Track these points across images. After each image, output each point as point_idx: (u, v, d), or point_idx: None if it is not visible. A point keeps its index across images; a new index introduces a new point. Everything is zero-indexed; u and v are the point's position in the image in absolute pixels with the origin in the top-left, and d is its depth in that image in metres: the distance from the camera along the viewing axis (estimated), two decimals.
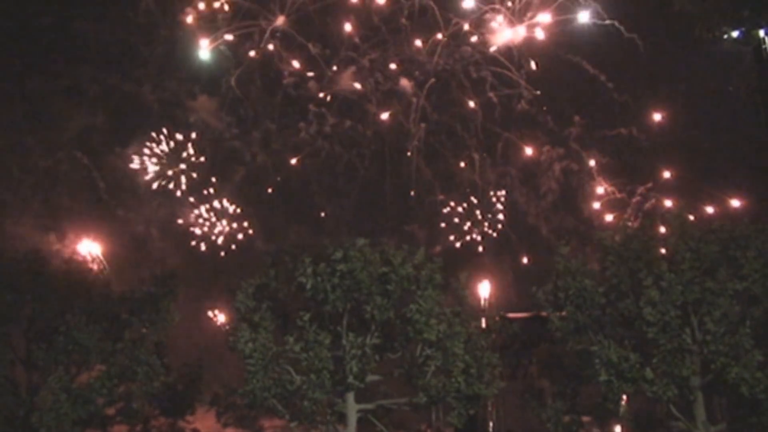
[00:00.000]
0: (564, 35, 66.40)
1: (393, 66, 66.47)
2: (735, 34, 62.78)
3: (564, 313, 39.99)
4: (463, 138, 67.10)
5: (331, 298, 38.95)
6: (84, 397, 40.28)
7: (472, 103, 67.22)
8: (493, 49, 66.14)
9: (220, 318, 52.09)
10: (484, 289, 52.21)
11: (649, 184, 66.62)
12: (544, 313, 41.77)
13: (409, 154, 66.54)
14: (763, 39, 61.80)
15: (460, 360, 38.90)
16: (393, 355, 40.51)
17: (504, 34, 66.37)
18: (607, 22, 65.97)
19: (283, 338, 39.41)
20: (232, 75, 65.52)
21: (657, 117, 67.51)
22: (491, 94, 66.95)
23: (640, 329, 37.89)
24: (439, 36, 66.14)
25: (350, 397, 40.09)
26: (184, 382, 49.23)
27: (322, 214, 67.10)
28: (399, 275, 39.36)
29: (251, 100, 66.48)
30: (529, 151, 67.90)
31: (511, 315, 46.38)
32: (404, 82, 66.71)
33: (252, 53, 65.71)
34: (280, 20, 65.28)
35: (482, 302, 50.05)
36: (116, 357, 41.46)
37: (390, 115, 66.65)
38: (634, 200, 66.66)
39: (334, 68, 66.47)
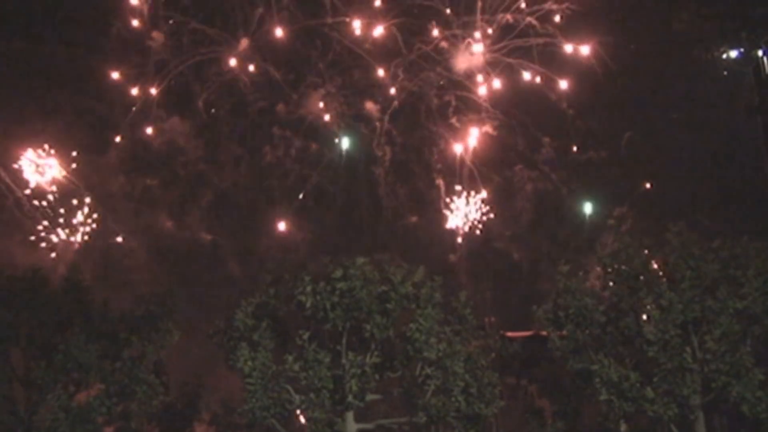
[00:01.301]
0: (537, 60, 66.90)
1: (358, 91, 67.19)
2: (734, 54, 63.14)
3: (564, 332, 39.94)
4: (430, 162, 67.45)
5: (330, 317, 38.88)
6: (83, 415, 40.08)
7: (438, 127, 67.64)
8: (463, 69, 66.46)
9: None
10: None
11: (624, 208, 66.76)
12: (543, 332, 41.74)
13: (378, 175, 66.73)
14: (762, 59, 62.11)
15: (460, 379, 38.81)
16: (393, 374, 40.37)
17: (467, 58, 66.94)
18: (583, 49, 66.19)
19: (282, 357, 39.31)
20: (200, 98, 66.13)
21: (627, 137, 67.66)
22: (453, 120, 67.27)
23: (640, 348, 37.90)
24: (411, 57, 66.72)
25: (350, 416, 39.91)
26: (183, 401, 49.05)
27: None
28: (399, 294, 39.32)
29: (219, 123, 67.00)
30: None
31: (510, 334, 46.34)
32: (370, 106, 67.20)
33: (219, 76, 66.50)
34: (244, 44, 65.85)
35: None
36: (115, 376, 41.32)
37: (356, 139, 67.06)
38: (609, 223, 66.83)
39: (299, 94, 67.13)
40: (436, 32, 66.30)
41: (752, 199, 61.67)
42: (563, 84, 66.91)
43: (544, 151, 67.63)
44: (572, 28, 66.54)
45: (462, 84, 67.18)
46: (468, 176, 67.03)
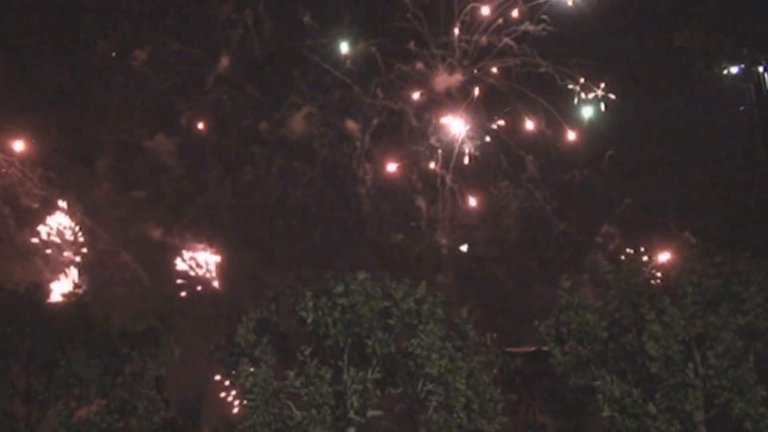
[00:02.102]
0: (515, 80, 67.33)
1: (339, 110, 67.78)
2: (735, 70, 63.34)
3: (566, 348, 39.84)
4: (412, 181, 67.68)
5: (332, 333, 38.80)
6: (83, 431, 40.02)
7: (420, 147, 67.86)
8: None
9: None
10: None
11: (612, 226, 66.87)
12: (545, 348, 41.63)
13: (360, 194, 67.01)
14: (763, 75, 62.28)
15: (462, 395, 38.66)
16: (394, 390, 40.25)
17: (446, 78, 67.40)
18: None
19: (283, 373, 39.23)
20: (184, 116, 66.61)
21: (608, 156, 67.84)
22: (432, 140, 67.54)
23: (642, 364, 37.76)
24: (390, 77, 67.39)
25: None
26: (183, 416, 48.95)
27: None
28: (400, 309, 39.25)
29: (203, 140, 67.36)
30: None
31: (512, 350, 46.26)
32: (351, 125, 67.54)
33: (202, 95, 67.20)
34: (224, 63, 66.42)
35: None
36: (116, 391, 41.24)
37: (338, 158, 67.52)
38: (598, 240, 66.91)
39: (281, 113, 67.63)
40: (415, 53, 67.17)
41: (754, 214, 61.64)
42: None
43: (529, 169, 67.89)
44: (554, 49, 67.10)
45: (443, 103, 67.69)
46: (450, 195, 67.37)
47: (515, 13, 66.96)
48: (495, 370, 42.27)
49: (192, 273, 66.00)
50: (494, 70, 67.15)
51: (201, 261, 66.38)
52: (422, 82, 67.61)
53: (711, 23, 62.64)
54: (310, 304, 38.74)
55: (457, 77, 67.14)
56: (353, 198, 67.63)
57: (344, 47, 67.02)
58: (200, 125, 66.95)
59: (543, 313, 40.55)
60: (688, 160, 65.01)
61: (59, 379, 40.85)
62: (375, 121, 67.52)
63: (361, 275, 39.46)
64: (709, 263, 38.71)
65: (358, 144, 67.41)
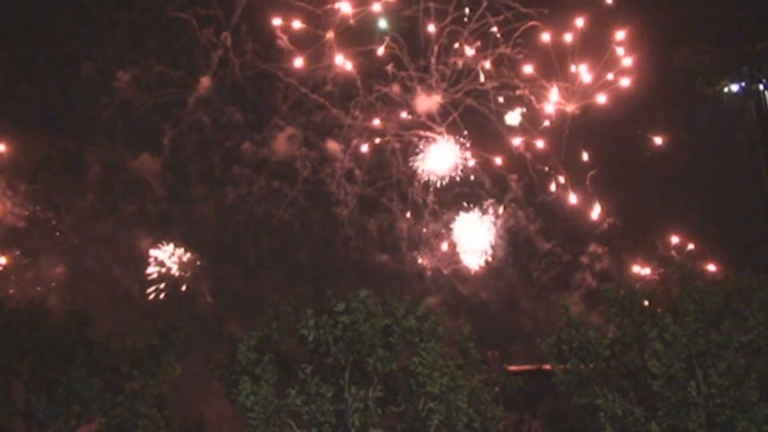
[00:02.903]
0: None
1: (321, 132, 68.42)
2: (735, 88, 63.48)
3: (568, 366, 39.76)
4: (389, 203, 67.95)
5: (333, 351, 38.72)
6: None
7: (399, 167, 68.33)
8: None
9: None
10: None
11: (599, 248, 67.02)
12: (547, 366, 41.53)
13: (342, 214, 67.27)
14: (763, 93, 62.42)
15: (463, 414, 38.49)
16: (396, 408, 40.08)
17: (425, 100, 67.91)
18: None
19: (284, 391, 39.10)
20: (167, 136, 67.22)
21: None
22: (413, 160, 67.96)
23: (644, 382, 37.65)
24: (369, 99, 67.92)
25: None
26: None
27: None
28: (402, 327, 39.20)
29: (186, 160, 68.00)
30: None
31: (513, 368, 46.17)
32: (332, 146, 67.99)
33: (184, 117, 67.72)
34: (204, 85, 67.06)
35: None
36: (116, 409, 41.20)
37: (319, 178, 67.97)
38: (585, 261, 67.00)
39: (263, 135, 68.21)
40: (393, 75, 67.78)
41: (755, 231, 61.72)
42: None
43: (513, 190, 68.16)
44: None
45: (423, 125, 68.15)
46: (432, 214, 67.59)
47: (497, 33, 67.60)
48: (496, 389, 42.17)
49: (165, 270, 65.93)
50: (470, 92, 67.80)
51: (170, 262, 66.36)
52: (402, 104, 68.24)
53: (711, 41, 62.88)
54: (312, 322, 38.69)
55: (437, 99, 67.57)
56: (335, 218, 67.85)
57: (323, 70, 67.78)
58: (183, 145, 67.55)
59: (533, 332, 40.64)
60: (687, 177, 65.19)
61: (59, 397, 40.79)
62: (355, 142, 68.08)
63: (363, 293, 39.46)
64: (710, 280, 38.76)
65: (339, 165, 67.76)
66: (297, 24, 66.69)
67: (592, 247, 67.20)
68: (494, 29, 66.91)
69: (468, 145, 67.77)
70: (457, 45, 67.44)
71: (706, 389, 37.08)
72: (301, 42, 67.15)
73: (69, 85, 66.52)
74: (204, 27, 66.68)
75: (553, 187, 67.91)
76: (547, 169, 67.66)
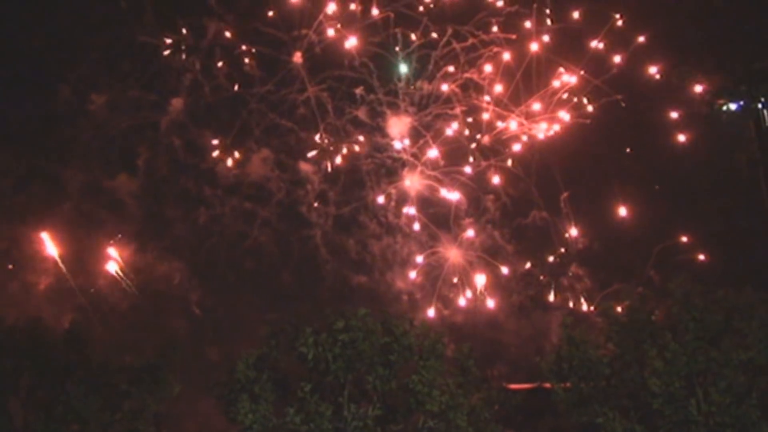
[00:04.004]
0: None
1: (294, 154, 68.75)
2: (733, 107, 63.73)
3: (568, 384, 39.67)
4: (367, 222, 68.19)
5: (332, 369, 38.67)
6: None
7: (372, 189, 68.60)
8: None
9: None
10: None
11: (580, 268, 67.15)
12: (547, 384, 41.44)
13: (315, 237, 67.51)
14: (762, 112, 62.64)
15: None
16: (395, 426, 39.91)
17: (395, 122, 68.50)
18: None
19: (283, 409, 38.98)
20: (141, 158, 67.70)
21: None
22: (385, 182, 68.38)
23: (645, 400, 37.56)
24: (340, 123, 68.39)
25: None
26: None
27: None
28: (401, 345, 39.17)
29: (161, 181, 68.28)
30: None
31: (513, 386, 46.02)
32: (305, 168, 68.42)
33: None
34: (177, 106, 67.76)
35: None
36: (115, 428, 40.99)
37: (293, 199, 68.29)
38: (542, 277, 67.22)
39: (237, 157, 68.41)
40: (362, 99, 68.24)
41: (754, 248, 61.67)
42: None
43: (491, 211, 68.34)
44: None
45: (393, 147, 68.60)
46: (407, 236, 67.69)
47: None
48: (496, 407, 42.04)
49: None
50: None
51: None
52: (373, 126, 68.60)
53: (709, 61, 63.20)
54: (311, 339, 38.67)
55: (406, 121, 68.12)
56: (310, 239, 68.06)
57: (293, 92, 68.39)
58: (157, 167, 67.89)
59: (517, 351, 40.53)
60: (688, 194, 65.30)
61: (58, 415, 40.59)
62: (327, 164, 68.32)
63: (362, 311, 39.44)
64: (710, 298, 38.70)
65: (310, 187, 68.16)
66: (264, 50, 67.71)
67: (572, 268, 67.24)
68: (459, 54, 67.68)
69: (441, 164, 68.09)
70: (427, 68, 68.19)
71: (707, 407, 36.99)
72: (271, 66, 68.11)
73: (46, 108, 66.99)
74: (176, 52, 67.67)
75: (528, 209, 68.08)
76: (518, 191, 68.00)
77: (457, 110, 67.99)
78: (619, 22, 67.41)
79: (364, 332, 38.73)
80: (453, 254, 66.52)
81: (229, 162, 67.73)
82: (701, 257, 64.57)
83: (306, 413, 38.13)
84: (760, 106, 62.63)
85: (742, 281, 40.19)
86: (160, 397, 43.03)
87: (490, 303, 65.47)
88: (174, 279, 66.15)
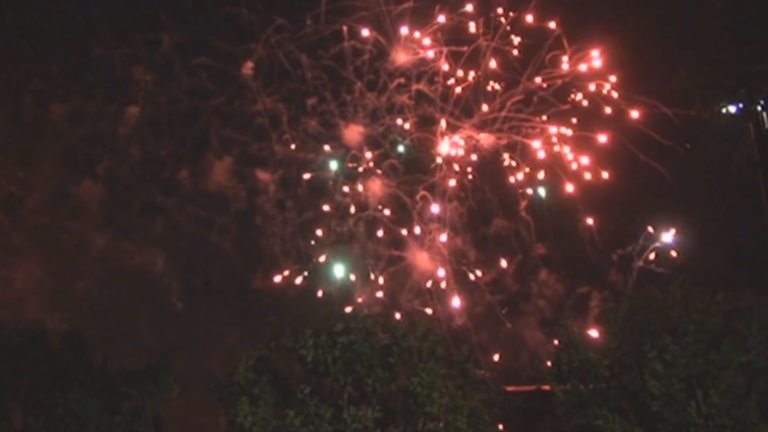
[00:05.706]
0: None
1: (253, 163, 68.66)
2: (733, 110, 63.68)
3: (567, 387, 39.65)
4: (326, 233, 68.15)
5: (332, 371, 38.70)
6: None
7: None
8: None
9: None
10: None
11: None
12: (546, 387, 41.44)
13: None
14: (762, 114, 62.62)
15: None
16: (395, 429, 39.80)
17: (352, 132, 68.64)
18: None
19: (283, 412, 38.97)
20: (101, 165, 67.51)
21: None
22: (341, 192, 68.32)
23: (644, 402, 37.55)
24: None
25: None
26: None
27: None
28: (401, 347, 39.18)
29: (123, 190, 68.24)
30: None
31: (512, 388, 46.03)
32: (265, 177, 68.35)
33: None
34: (136, 116, 67.97)
35: None
36: (114, 430, 41.03)
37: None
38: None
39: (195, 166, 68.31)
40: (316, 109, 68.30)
41: (754, 251, 61.68)
42: None
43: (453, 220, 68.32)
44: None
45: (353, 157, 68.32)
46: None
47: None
48: (496, 410, 42.04)
49: None
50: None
51: None
52: (327, 136, 68.35)
53: (708, 63, 63.16)
54: (310, 342, 38.70)
55: (360, 131, 68.23)
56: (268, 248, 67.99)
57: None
58: (117, 175, 67.83)
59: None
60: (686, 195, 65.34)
61: (57, 417, 40.56)
62: (282, 173, 68.00)
63: (362, 313, 39.49)
64: (710, 301, 38.69)
65: (267, 197, 68.24)
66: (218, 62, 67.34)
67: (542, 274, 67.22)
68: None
69: (401, 173, 68.07)
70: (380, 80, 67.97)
71: (707, 410, 36.93)
72: (224, 79, 67.95)
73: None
74: (133, 64, 67.37)
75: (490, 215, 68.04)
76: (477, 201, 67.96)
77: (410, 122, 67.71)
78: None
79: (363, 334, 38.76)
80: (420, 259, 66.43)
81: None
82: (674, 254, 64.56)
83: (306, 416, 38.09)
84: (759, 108, 62.59)
85: (741, 284, 40.17)
86: (160, 399, 43.12)
87: (456, 302, 65.25)
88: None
